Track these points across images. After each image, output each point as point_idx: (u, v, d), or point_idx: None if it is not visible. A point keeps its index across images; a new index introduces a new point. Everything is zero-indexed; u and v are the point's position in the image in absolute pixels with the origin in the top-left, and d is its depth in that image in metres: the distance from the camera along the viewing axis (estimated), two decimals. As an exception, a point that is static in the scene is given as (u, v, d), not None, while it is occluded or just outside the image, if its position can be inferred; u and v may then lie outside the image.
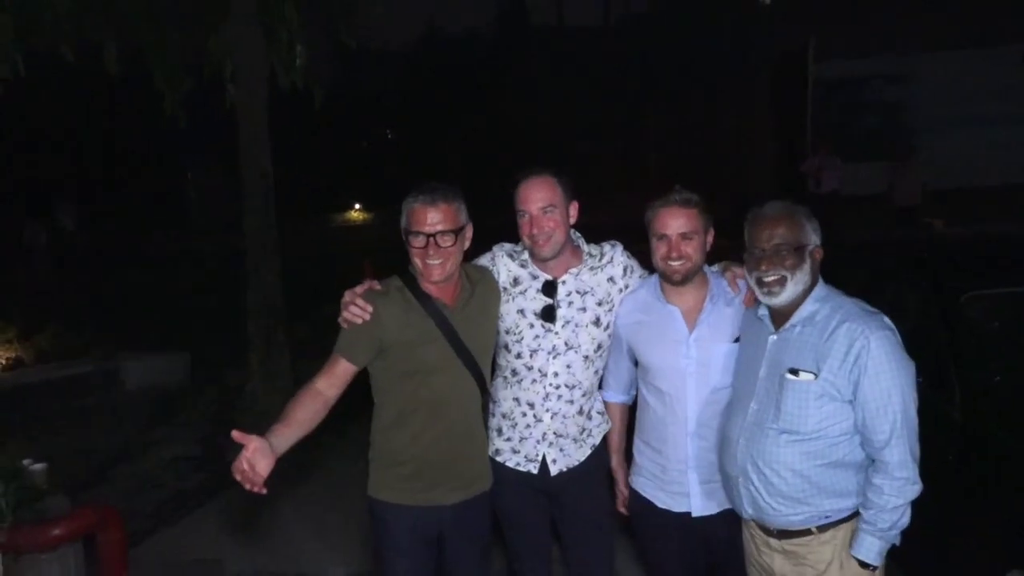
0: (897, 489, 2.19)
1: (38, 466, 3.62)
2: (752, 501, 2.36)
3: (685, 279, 2.52)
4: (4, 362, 8.20)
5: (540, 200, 2.59)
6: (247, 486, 2.23)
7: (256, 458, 2.23)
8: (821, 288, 2.32)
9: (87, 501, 4.57)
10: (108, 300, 12.87)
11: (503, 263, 2.76)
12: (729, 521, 2.56)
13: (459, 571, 2.71)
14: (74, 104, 19.48)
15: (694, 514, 2.59)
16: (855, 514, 2.29)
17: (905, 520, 2.23)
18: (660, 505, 2.65)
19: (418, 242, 2.48)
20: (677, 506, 2.62)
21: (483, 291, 2.66)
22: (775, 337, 2.34)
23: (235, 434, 2.25)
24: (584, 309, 2.68)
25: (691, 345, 2.54)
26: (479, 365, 2.62)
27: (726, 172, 18.92)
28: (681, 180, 2.81)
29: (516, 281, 2.72)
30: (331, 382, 2.49)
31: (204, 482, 5.52)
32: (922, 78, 15.55)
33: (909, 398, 2.21)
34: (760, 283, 2.30)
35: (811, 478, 2.27)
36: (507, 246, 2.81)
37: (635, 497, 2.74)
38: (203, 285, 13.88)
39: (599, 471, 2.83)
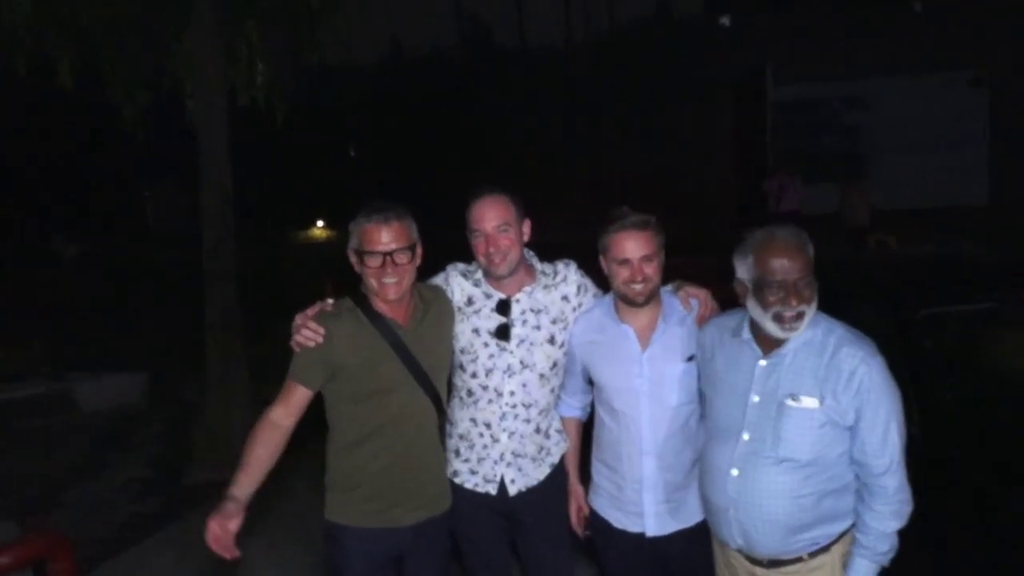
0: (895, 512, 2.20)
1: (-15, 491, 3.50)
2: (743, 532, 2.29)
3: (647, 300, 2.53)
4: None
5: (495, 219, 2.59)
6: (224, 556, 2.28)
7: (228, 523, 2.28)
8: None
9: (37, 527, 4.44)
10: (62, 317, 12.60)
11: (457, 282, 2.75)
12: (686, 542, 2.56)
13: (418, 594, 2.67)
14: (25, 120, 19.16)
15: (648, 534, 2.58)
16: (842, 536, 2.27)
17: (897, 541, 2.23)
18: (616, 525, 2.64)
19: (374, 262, 2.46)
20: (632, 526, 2.61)
21: (436, 310, 2.65)
22: (764, 363, 2.28)
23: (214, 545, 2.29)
24: (538, 327, 2.68)
25: (644, 364, 2.54)
26: (434, 384, 2.60)
27: (687, 192, 19.14)
28: (643, 199, 2.82)
29: (470, 300, 2.71)
30: (288, 411, 2.48)
31: (159, 506, 5.39)
32: (878, 102, 15.91)
33: (902, 422, 2.21)
34: (779, 318, 2.19)
35: (810, 506, 2.23)
36: (460, 266, 2.80)
37: (593, 516, 2.73)
38: (161, 301, 13.68)
39: (558, 490, 2.81)
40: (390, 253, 2.45)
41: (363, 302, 2.56)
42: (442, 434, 2.72)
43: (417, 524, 2.59)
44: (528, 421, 2.70)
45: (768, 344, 2.28)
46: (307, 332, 2.47)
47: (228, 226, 5.96)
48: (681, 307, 2.60)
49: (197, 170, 5.98)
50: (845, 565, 2.27)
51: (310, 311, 2.55)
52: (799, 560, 2.27)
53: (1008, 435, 2.94)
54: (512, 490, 2.71)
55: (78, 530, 4.98)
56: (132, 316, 12.77)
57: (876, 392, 2.17)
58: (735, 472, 2.28)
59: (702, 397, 2.52)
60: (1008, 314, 3.61)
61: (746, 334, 2.32)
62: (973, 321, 3.67)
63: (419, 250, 2.58)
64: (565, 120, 24.21)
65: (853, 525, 2.28)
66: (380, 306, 2.54)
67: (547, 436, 2.76)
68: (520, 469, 2.71)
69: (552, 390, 2.75)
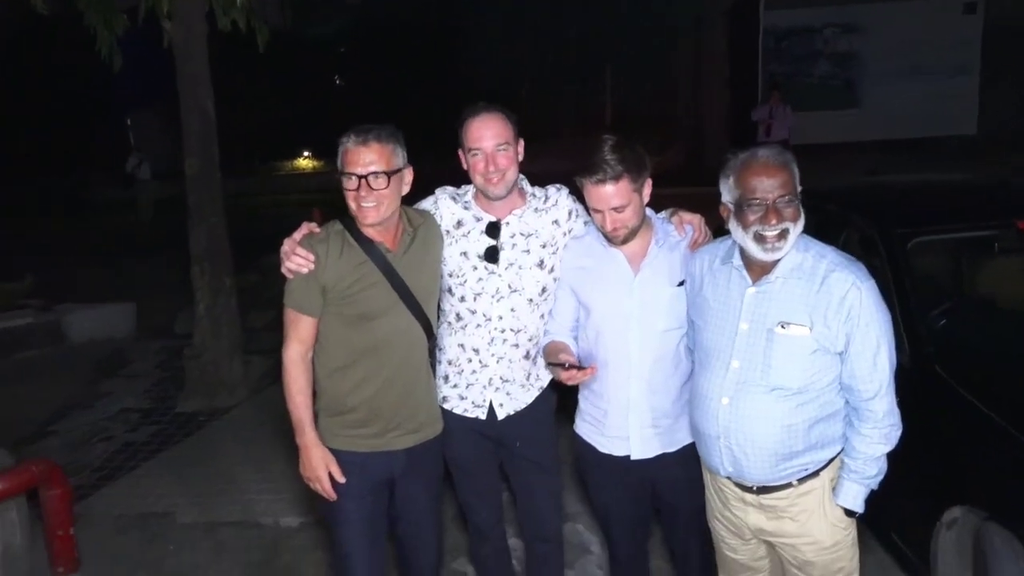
0: (885, 436, 2.22)
1: (-23, 421, 3.51)
2: (734, 460, 2.30)
3: (626, 239, 2.50)
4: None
5: (495, 137, 2.54)
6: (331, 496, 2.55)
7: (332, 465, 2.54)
8: (802, 236, 2.22)
9: (31, 456, 4.48)
10: (48, 249, 12.51)
11: (446, 206, 2.71)
12: (670, 465, 2.59)
13: (411, 515, 2.71)
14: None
15: (633, 457, 2.60)
16: (831, 461, 2.29)
17: (886, 465, 2.26)
18: (601, 450, 2.66)
19: (351, 183, 2.42)
20: (617, 450, 2.63)
21: (425, 234, 2.62)
22: (755, 289, 2.25)
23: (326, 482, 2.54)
24: (528, 251, 2.65)
25: (635, 288, 2.52)
26: (423, 309, 2.59)
27: (681, 120, 18.93)
28: (635, 129, 2.76)
29: (459, 224, 2.68)
30: (305, 346, 2.52)
31: (153, 434, 5.43)
32: (870, 28, 15.64)
33: (892, 346, 2.21)
34: (760, 238, 2.15)
35: (801, 433, 2.23)
36: (449, 189, 2.76)
37: (578, 442, 2.75)
38: (149, 232, 13.59)
39: (546, 415, 2.82)
40: (366, 176, 2.40)
41: (352, 226, 2.52)
42: (432, 359, 2.72)
43: (410, 448, 2.61)
44: (517, 346, 2.70)
45: (757, 271, 2.25)
46: (297, 259, 2.45)
47: (211, 155, 5.85)
48: (674, 232, 2.58)
49: (177, 97, 5.82)
50: (834, 489, 2.30)
51: (297, 235, 2.51)
52: (788, 486, 2.29)
53: (1000, 363, 2.96)
54: (501, 414, 2.72)
55: (72, 458, 5.02)
56: (122, 249, 12.69)
57: (867, 316, 2.16)
58: (725, 400, 2.28)
59: (692, 324, 2.52)
60: (1003, 242, 3.59)
61: (736, 260, 2.29)
62: (964, 248, 3.67)
63: (407, 177, 2.53)
64: (555, 48, 23.74)
65: (842, 450, 2.30)
66: (368, 231, 2.51)
67: (535, 362, 2.76)
68: (509, 394, 2.72)
69: (541, 316, 2.72)
